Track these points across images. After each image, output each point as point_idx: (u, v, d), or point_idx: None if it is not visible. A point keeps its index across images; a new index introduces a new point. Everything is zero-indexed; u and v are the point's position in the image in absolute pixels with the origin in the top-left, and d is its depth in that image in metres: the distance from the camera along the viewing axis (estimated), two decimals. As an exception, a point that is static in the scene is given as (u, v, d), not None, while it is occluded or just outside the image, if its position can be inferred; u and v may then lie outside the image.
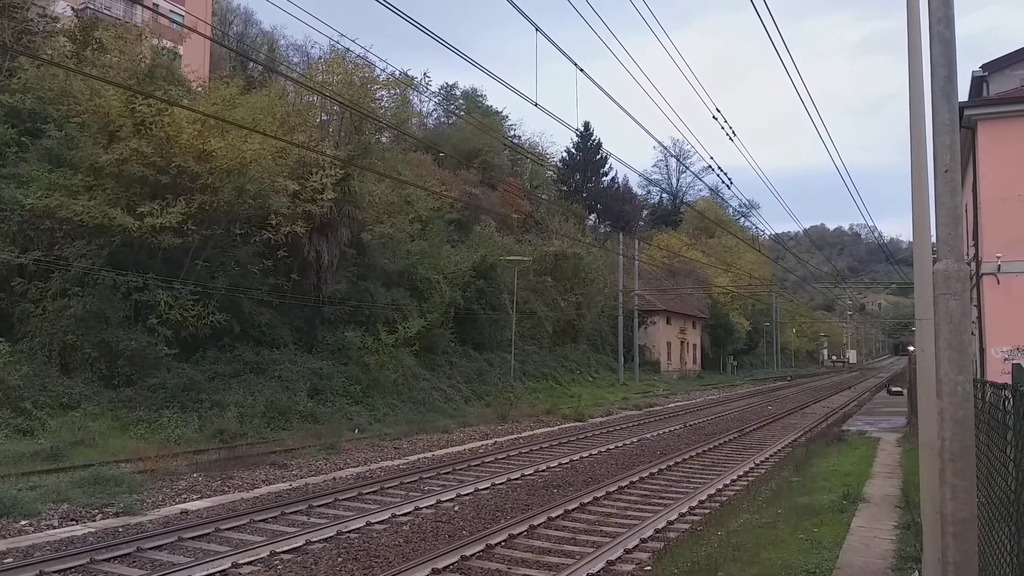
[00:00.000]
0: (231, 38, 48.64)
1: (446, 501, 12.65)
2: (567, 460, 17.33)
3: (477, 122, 46.34)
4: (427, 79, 41.12)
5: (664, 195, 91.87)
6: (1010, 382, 4.00)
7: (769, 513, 10.93)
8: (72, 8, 30.30)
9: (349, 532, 10.38)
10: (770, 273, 79.46)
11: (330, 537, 10.08)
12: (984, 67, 17.59)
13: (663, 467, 16.46)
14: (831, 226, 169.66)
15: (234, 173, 19.90)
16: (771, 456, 18.77)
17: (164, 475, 13.79)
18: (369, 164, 25.72)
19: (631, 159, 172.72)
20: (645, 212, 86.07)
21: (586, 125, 68.41)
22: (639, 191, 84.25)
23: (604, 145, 69.93)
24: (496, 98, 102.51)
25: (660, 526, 10.96)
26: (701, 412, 31.65)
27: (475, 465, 16.51)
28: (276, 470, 15.20)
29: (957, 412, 3.97)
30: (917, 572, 7.32)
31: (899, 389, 36.84)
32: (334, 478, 14.74)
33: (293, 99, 26.24)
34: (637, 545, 9.91)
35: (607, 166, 70.96)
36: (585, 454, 18.38)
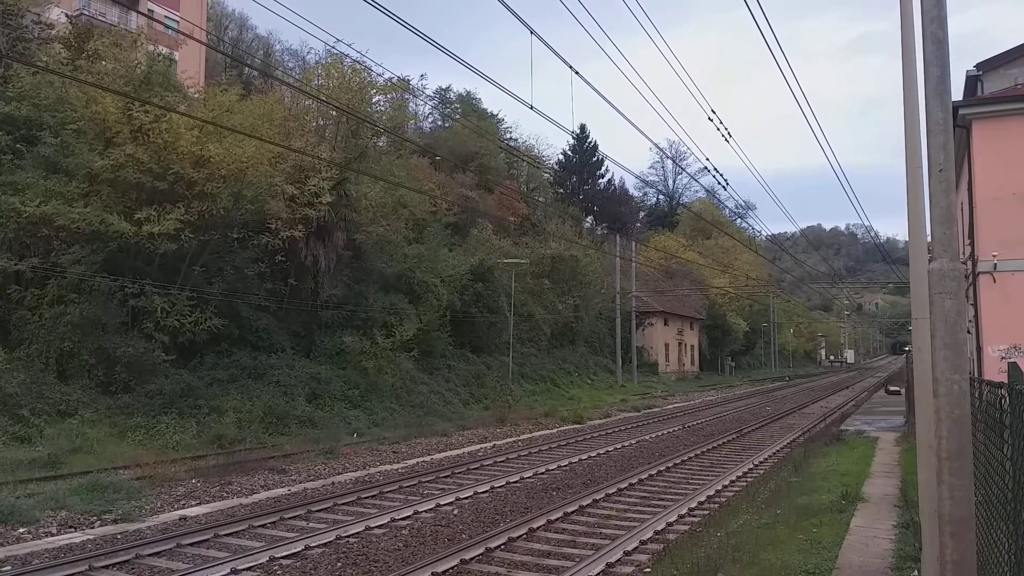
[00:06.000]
0: (226, 43, 48.62)
1: (445, 505, 12.64)
2: (566, 462, 17.32)
3: (473, 125, 46.33)
4: (423, 82, 41.11)
5: (660, 197, 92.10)
6: (1006, 381, 4.02)
7: (768, 514, 10.94)
8: (66, 15, 30.22)
9: (348, 537, 10.37)
10: (767, 274, 79.55)
11: (329, 542, 10.07)
12: (978, 66, 17.65)
13: (662, 468, 16.46)
14: (828, 226, 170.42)
15: (231, 178, 19.88)
16: (770, 457, 18.78)
17: (162, 481, 13.75)
18: (366, 168, 25.72)
19: (627, 161, 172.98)
20: (642, 214, 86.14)
21: (582, 127, 68.42)
22: (635, 193, 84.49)
23: (600, 147, 70.14)
24: (492, 101, 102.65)
25: (659, 528, 10.97)
26: (699, 413, 31.64)
27: (474, 468, 16.51)
28: (275, 475, 15.18)
29: (954, 411, 3.98)
30: (916, 571, 7.33)
31: (897, 388, 36.86)
32: (333, 483, 14.72)
33: (289, 103, 26.19)
34: (636, 547, 9.91)
35: (603, 168, 71.07)
36: (584, 456, 18.37)
